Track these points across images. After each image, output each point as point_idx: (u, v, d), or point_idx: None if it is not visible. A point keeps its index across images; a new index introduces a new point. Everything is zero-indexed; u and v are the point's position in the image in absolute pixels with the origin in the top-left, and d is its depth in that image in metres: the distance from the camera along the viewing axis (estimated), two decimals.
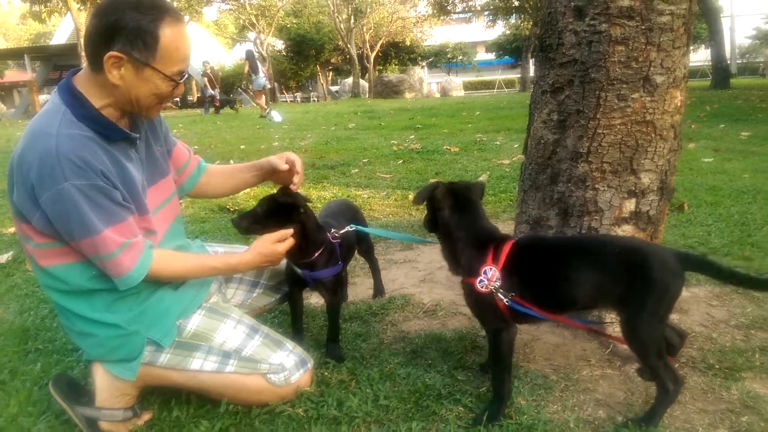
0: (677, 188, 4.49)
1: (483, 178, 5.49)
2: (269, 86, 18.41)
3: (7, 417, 1.86)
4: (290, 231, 1.87)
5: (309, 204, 2.04)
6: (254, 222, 1.95)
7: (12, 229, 4.33)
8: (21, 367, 2.20)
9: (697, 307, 2.43)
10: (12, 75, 34.85)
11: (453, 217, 1.84)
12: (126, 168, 1.63)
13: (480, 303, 1.78)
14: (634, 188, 2.18)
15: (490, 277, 1.74)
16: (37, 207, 1.52)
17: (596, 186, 2.19)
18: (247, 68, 17.02)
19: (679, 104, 2.18)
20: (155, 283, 1.73)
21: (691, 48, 2.66)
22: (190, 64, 1.65)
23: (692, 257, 1.73)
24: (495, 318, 1.78)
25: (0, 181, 6.64)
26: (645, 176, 2.18)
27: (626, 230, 2.22)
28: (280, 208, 1.94)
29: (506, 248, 1.77)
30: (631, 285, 1.63)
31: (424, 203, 1.89)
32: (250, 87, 18.24)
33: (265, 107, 16.15)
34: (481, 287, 1.74)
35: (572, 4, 2.15)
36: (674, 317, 2.31)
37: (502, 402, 1.74)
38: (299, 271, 2.10)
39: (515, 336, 1.80)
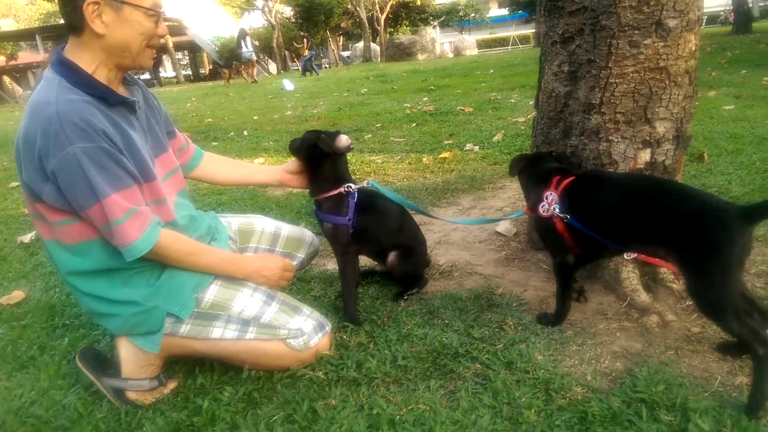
0: (697, 137, 4.39)
1: (498, 137, 5.42)
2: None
3: (38, 390, 1.92)
4: (294, 264, 2.10)
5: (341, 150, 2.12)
6: (295, 149, 2.18)
7: None
8: (49, 342, 2.26)
9: None
10: (25, 56, 35.03)
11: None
12: (128, 133, 1.63)
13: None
14: (648, 138, 2.13)
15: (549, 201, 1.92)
16: (46, 179, 1.52)
17: (610, 137, 2.14)
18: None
19: (693, 48, 2.11)
20: None
21: None
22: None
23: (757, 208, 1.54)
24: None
25: None
26: (660, 125, 2.13)
27: None
28: (304, 141, 2.13)
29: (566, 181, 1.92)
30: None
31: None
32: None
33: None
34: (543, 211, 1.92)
35: None
36: None
37: (561, 315, 2.00)
38: (314, 207, 2.24)
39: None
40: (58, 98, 1.50)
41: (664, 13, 2.02)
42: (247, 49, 20.33)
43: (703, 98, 6.06)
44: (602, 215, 1.80)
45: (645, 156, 2.15)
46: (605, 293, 2.15)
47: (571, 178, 1.91)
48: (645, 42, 2.04)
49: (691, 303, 2.04)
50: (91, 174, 1.49)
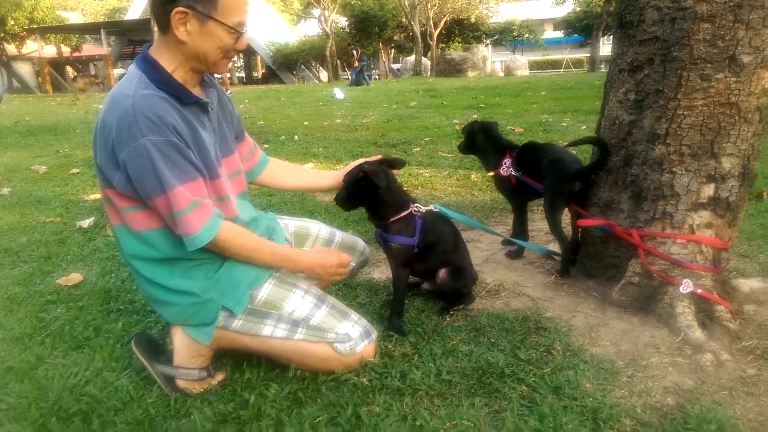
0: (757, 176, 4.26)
1: None
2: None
3: (92, 371, 2.00)
4: (348, 258, 2.00)
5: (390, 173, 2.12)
6: (345, 198, 2.12)
7: (93, 196, 4.58)
8: (104, 325, 2.34)
9: None
10: (89, 49, 36.42)
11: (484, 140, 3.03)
12: (198, 131, 1.69)
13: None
14: (713, 173, 2.10)
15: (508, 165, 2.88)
16: (118, 167, 1.60)
17: (673, 169, 2.11)
18: None
19: (766, 86, 2.07)
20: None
21: None
22: (248, 18, 1.71)
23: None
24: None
25: (82, 151, 7.04)
26: (726, 160, 2.09)
27: (703, 216, 2.14)
28: (351, 180, 2.08)
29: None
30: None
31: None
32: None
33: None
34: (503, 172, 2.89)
35: None
36: (750, 308, 2.23)
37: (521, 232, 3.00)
38: (376, 229, 2.23)
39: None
40: (135, 92, 1.58)
41: (739, 48, 1.99)
42: None
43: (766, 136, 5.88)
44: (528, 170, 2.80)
45: (708, 191, 2.12)
46: (659, 326, 2.10)
47: (516, 151, 2.88)
48: (717, 76, 2.02)
49: (747, 344, 1.99)
50: (159, 166, 1.56)
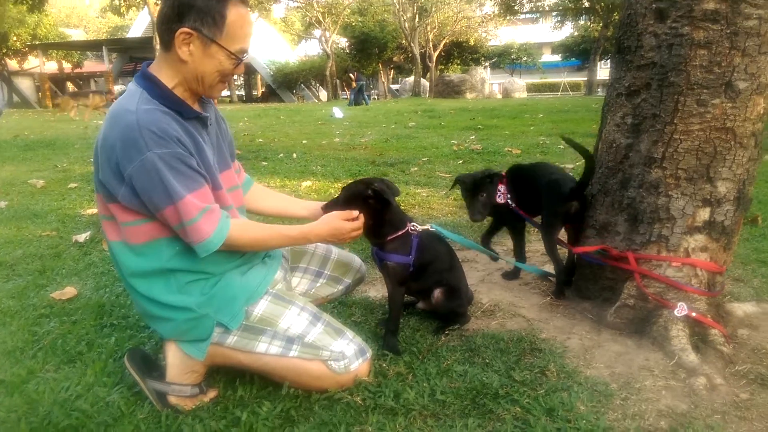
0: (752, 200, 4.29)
1: None
2: None
3: (84, 385, 1.98)
4: (356, 213, 1.96)
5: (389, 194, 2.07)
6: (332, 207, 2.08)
7: (90, 210, 4.57)
8: (97, 339, 2.33)
9: None
10: (90, 65, 36.67)
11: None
12: (201, 143, 1.72)
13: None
14: (709, 197, 2.11)
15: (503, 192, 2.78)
16: (122, 182, 1.61)
17: (669, 193, 2.13)
18: None
19: (761, 112, 2.10)
20: (224, 266, 1.81)
21: None
22: (249, 44, 1.74)
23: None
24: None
25: (80, 166, 7.05)
26: (722, 185, 2.11)
27: (699, 239, 2.15)
28: (354, 195, 2.07)
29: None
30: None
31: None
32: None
33: None
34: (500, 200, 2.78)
35: (654, 6, 2.10)
36: (744, 332, 2.23)
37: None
38: (372, 247, 2.22)
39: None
40: (138, 108, 1.60)
41: (735, 74, 2.02)
42: None
43: (761, 161, 5.92)
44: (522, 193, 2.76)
45: (704, 214, 2.13)
46: (653, 349, 2.10)
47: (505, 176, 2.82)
48: (713, 102, 2.04)
49: (740, 368, 1.99)
50: (167, 178, 1.58)
